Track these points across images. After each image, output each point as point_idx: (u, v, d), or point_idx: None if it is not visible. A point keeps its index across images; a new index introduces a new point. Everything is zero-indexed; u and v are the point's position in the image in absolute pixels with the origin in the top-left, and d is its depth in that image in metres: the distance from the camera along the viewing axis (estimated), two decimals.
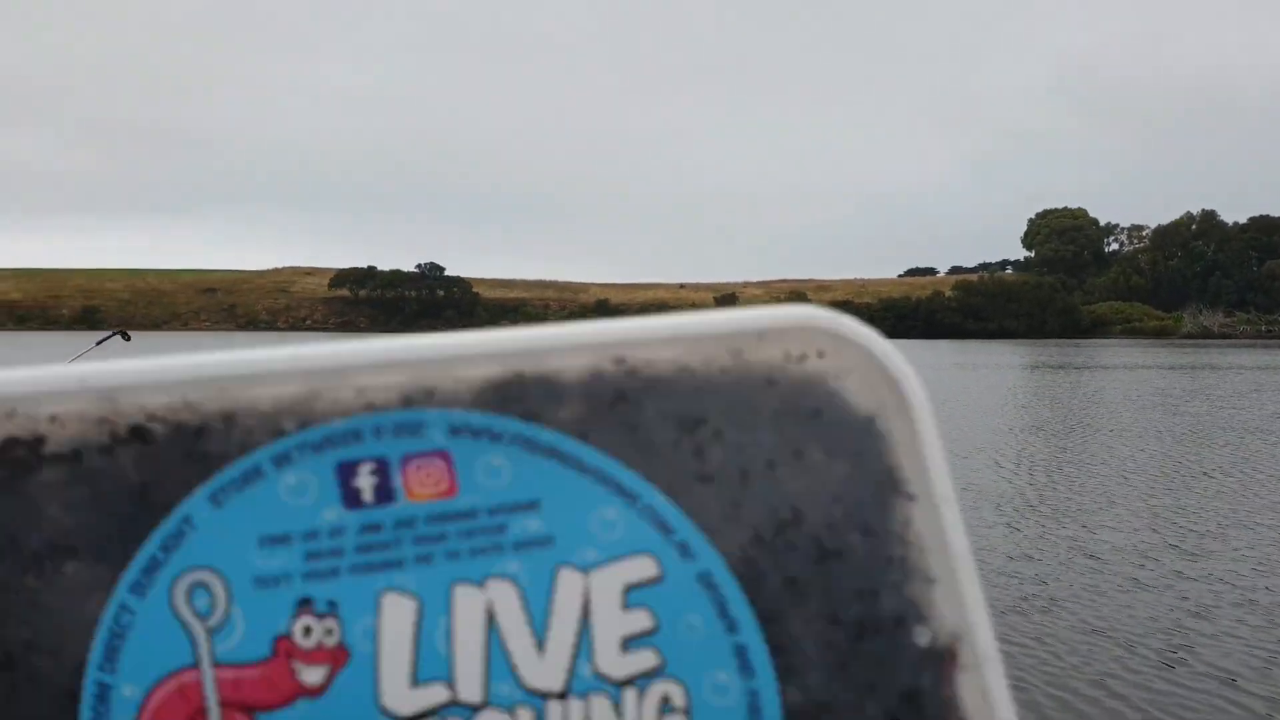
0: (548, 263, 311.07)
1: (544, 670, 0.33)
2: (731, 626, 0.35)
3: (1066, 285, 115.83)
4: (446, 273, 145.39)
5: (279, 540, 0.33)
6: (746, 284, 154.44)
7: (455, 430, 0.34)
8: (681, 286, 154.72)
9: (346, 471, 0.33)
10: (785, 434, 0.36)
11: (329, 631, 0.33)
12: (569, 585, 0.34)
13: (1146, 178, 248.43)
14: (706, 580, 0.35)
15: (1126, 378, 36.91)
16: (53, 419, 0.33)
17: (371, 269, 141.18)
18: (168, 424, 0.33)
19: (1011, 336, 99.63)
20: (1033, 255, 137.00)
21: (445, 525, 0.34)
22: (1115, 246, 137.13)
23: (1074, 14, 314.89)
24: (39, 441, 0.33)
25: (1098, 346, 74.65)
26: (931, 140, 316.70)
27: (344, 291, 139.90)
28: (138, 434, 0.33)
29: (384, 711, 0.33)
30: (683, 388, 0.36)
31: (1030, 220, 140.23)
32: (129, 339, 9.31)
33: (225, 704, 0.32)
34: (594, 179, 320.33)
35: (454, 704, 0.33)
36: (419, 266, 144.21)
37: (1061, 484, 12.56)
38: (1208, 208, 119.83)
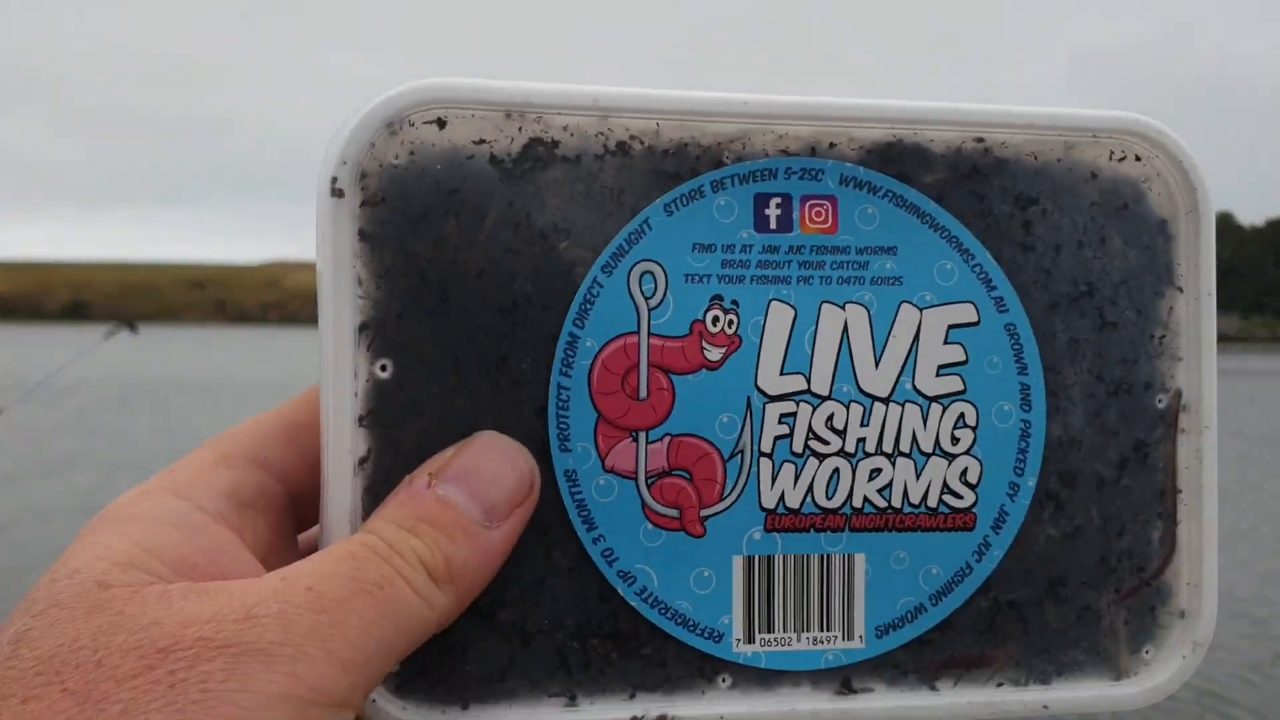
0: None
1: (876, 379, 0.44)
2: (1023, 369, 0.45)
3: None
4: None
5: (706, 248, 0.43)
6: None
7: (844, 180, 0.44)
8: None
9: (761, 201, 0.43)
10: (1096, 221, 0.46)
11: (730, 323, 0.43)
12: (907, 318, 0.44)
13: None
14: (1011, 330, 0.45)
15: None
16: (565, 128, 0.42)
17: None
18: (644, 144, 0.43)
19: None
20: None
21: (825, 256, 0.44)
22: None
23: (1089, 11, 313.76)
24: (555, 145, 0.42)
25: None
26: None
27: None
28: (622, 148, 0.42)
29: (759, 389, 0.43)
30: (1024, 170, 0.45)
31: None
32: (136, 331, 8.19)
33: (653, 365, 0.42)
34: None
35: (807, 393, 0.44)
36: None
37: None
38: (1225, 210, 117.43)
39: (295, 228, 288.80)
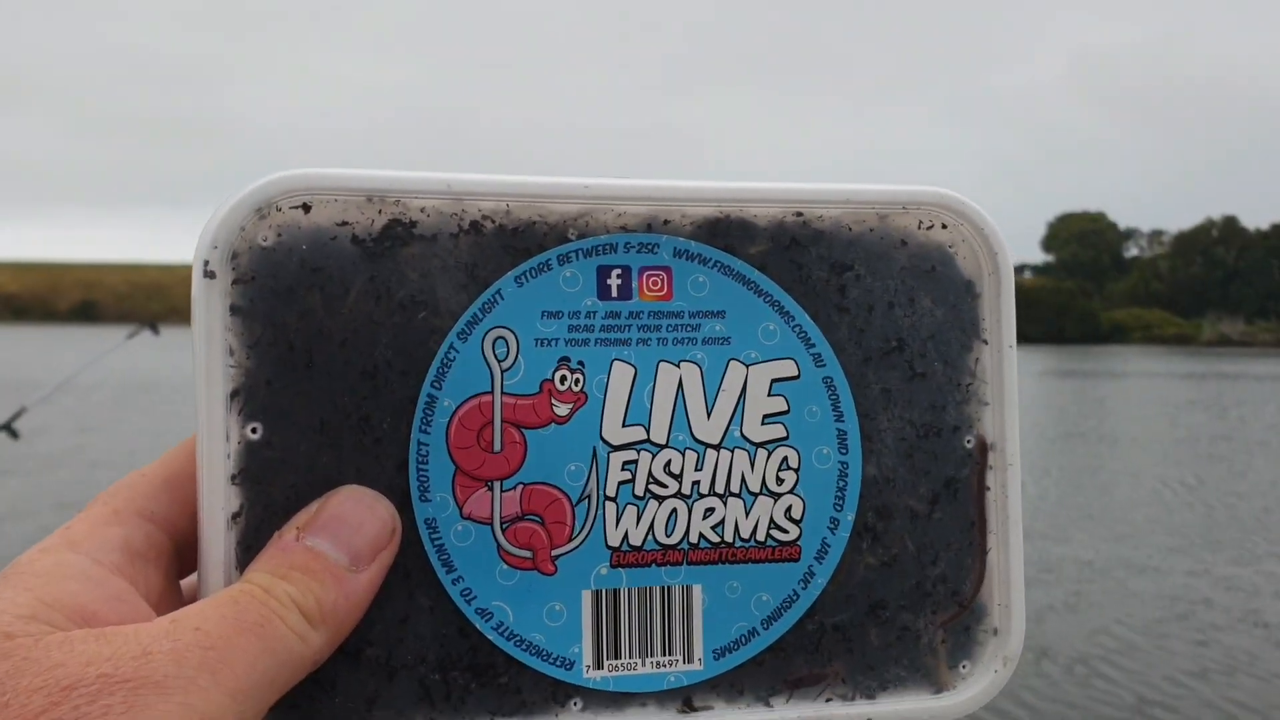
0: None
1: (709, 428, 0.49)
2: (839, 417, 0.50)
3: (1085, 290, 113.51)
4: None
5: (554, 315, 0.47)
6: None
7: (678, 252, 0.49)
8: None
9: (603, 273, 0.48)
10: (906, 283, 0.51)
11: (577, 381, 0.47)
12: (735, 373, 0.49)
13: (1167, 181, 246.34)
14: (828, 382, 0.50)
15: (1143, 385, 35.05)
16: (423, 209, 0.46)
17: None
18: (495, 223, 0.47)
19: (1030, 341, 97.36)
20: (1052, 259, 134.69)
21: (661, 320, 0.49)
22: (1135, 252, 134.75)
23: (1089, 15, 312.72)
24: (413, 225, 0.46)
25: (1116, 353, 72.35)
26: (953, 140, 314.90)
27: None
28: (475, 227, 0.47)
29: (603, 439, 0.48)
30: (840, 240, 0.51)
31: (1049, 223, 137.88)
32: (158, 332, 9.32)
33: (506, 420, 0.47)
34: (621, 173, 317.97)
35: (647, 442, 0.48)
36: None
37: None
38: (1229, 213, 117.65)
39: None
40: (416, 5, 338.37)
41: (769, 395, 0.50)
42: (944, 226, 0.52)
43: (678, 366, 0.49)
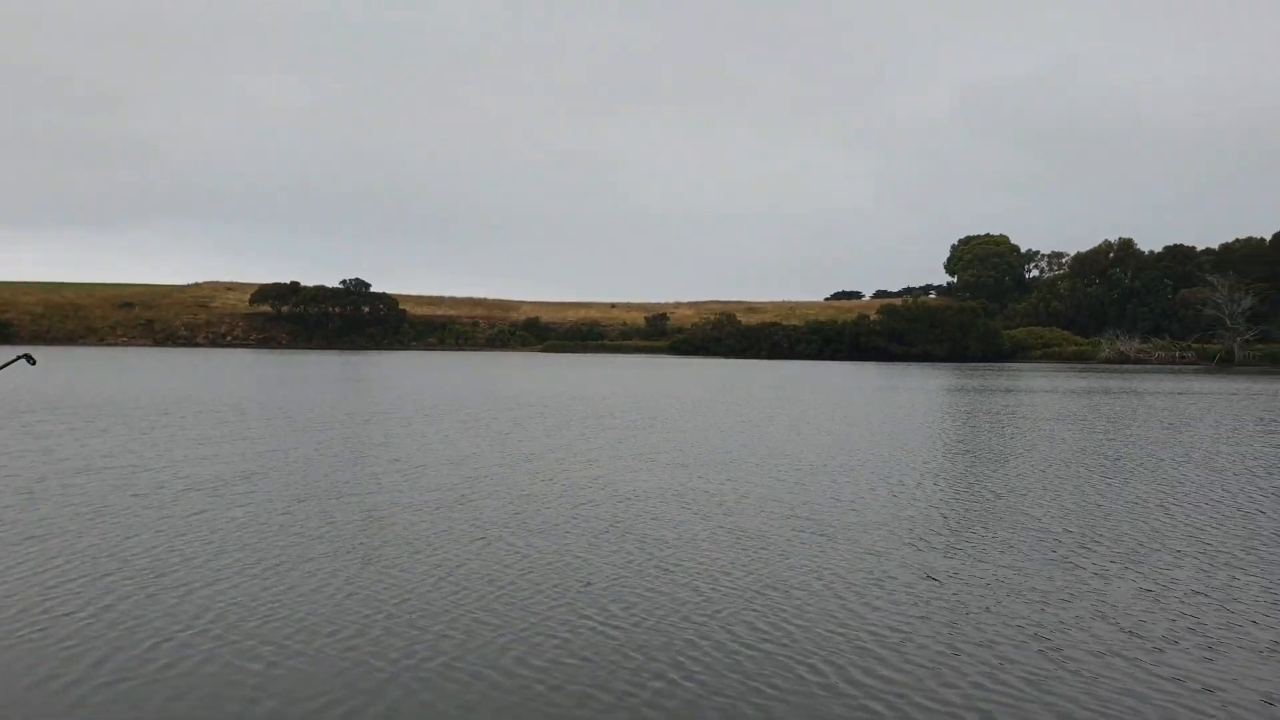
0: (479, 281, 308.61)
1: None
2: None
3: (988, 310, 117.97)
4: (373, 289, 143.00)
5: None
6: (678, 304, 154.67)
7: None
8: (613, 306, 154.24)
9: None
10: None
11: None
12: None
13: (1065, 206, 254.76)
14: None
15: (1043, 400, 37.78)
16: None
17: (295, 284, 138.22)
18: None
19: (934, 359, 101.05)
20: (955, 280, 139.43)
21: None
22: (1035, 273, 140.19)
23: (976, 50, 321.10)
24: None
25: (1017, 371, 75.88)
26: (855, 166, 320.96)
27: (266, 307, 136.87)
28: None
29: None
30: None
31: (953, 246, 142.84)
32: (34, 363, 9.58)
33: None
34: (529, 199, 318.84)
35: None
36: (344, 282, 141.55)
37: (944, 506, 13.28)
38: (1125, 236, 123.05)
39: (224, 250, 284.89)
40: (331, 27, 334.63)
41: None
42: None
43: None
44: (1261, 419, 30.23)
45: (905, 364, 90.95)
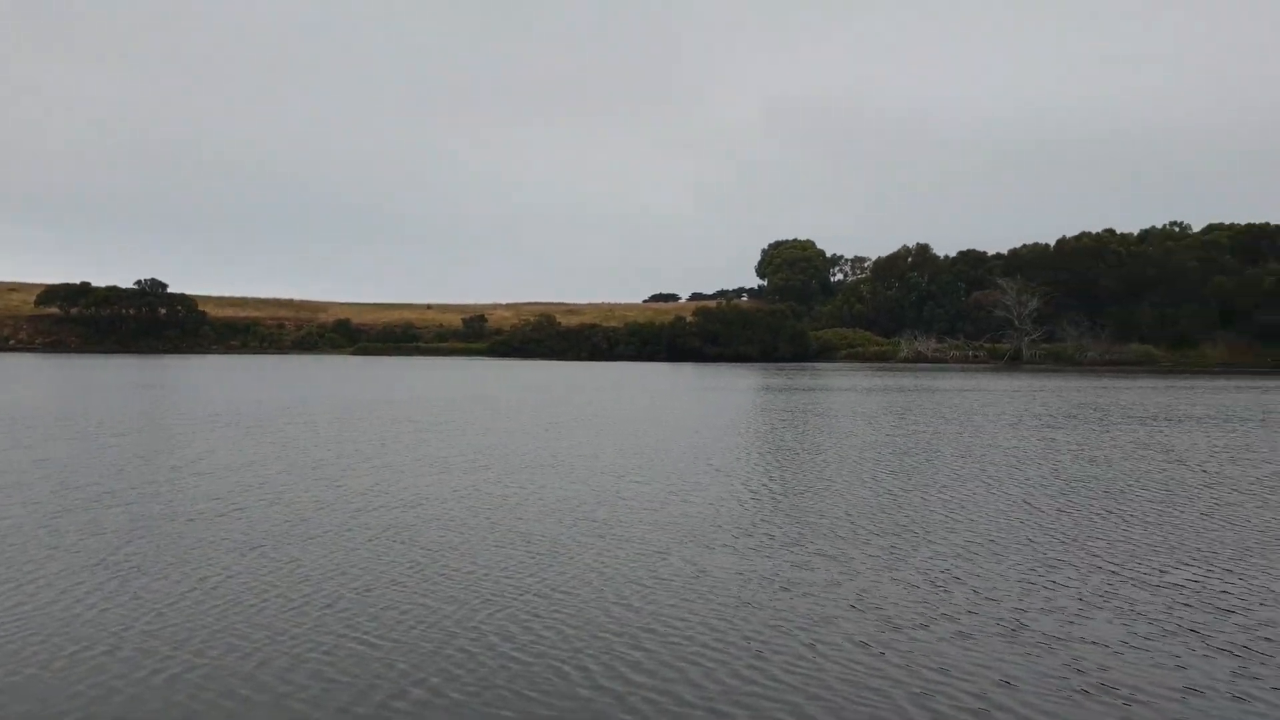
0: (285, 281, 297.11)
1: None
2: None
3: (796, 312, 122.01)
4: (170, 290, 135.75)
5: None
6: (496, 306, 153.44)
7: None
8: (429, 307, 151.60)
9: None
10: None
11: None
12: None
13: (868, 213, 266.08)
14: None
15: (843, 398, 39.33)
16: None
17: (85, 285, 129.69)
18: None
19: (747, 360, 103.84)
20: (766, 284, 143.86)
21: None
22: (840, 276, 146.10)
23: (779, 58, 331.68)
24: None
25: (822, 370, 78.77)
26: (672, 170, 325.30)
27: (53, 309, 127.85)
28: None
29: None
30: None
31: (764, 250, 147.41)
32: None
33: None
34: (338, 199, 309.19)
35: None
36: (139, 283, 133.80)
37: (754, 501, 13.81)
38: (923, 241, 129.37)
39: (4, 249, 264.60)
40: (133, 15, 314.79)
41: None
42: None
43: None
44: (1039, 415, 32.35)
45: (720, 365, 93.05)
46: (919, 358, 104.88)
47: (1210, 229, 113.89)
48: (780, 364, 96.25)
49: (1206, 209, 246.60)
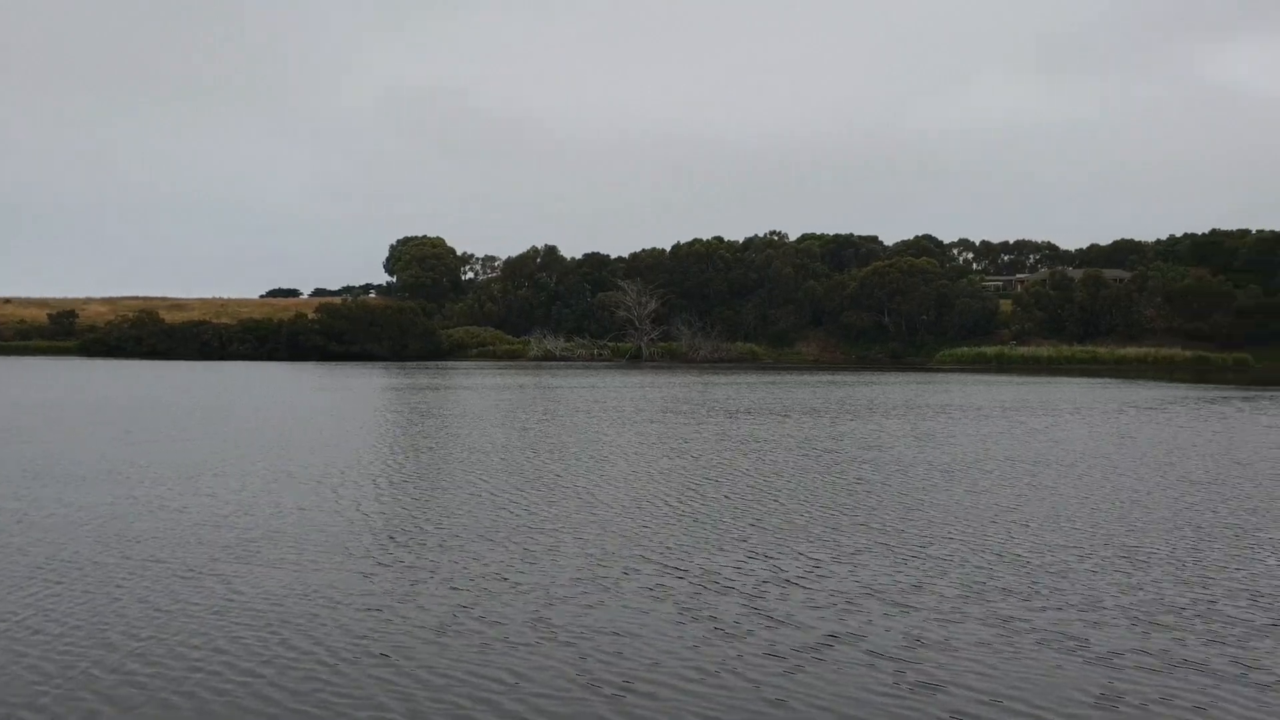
0: None
1: None
2: None
3: (427, 310, 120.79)
4: None
5: None
6: (90, 300, 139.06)
7: None
8: (8, 301, 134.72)
9: None
10: None
11: None
12: None
13: (497, 213, 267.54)
14: None
15: (465, 397, 39.39)
16: None
17: None
18: None
19: (375, 358, 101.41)
20: (395, 280, 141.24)
21: None
22: (471, 275, 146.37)
23: (394, 53, 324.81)
24: None
25: (452, 369, 78.55)
26: (289, 160, 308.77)
27: None
28: None
29: None
30: None
31: (392, 246, 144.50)
32: None
33: None
34: None
35: None
36: None
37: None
38: (551, 243, 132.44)
39: None
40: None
41: None
42: None
43: None
44: (641, 409, 33.99)
45: (345, 363, 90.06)
46: (548, 356, 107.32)
47: (804, 238, 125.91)
48: (411, 363, 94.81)
49: (802, 219, 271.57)
